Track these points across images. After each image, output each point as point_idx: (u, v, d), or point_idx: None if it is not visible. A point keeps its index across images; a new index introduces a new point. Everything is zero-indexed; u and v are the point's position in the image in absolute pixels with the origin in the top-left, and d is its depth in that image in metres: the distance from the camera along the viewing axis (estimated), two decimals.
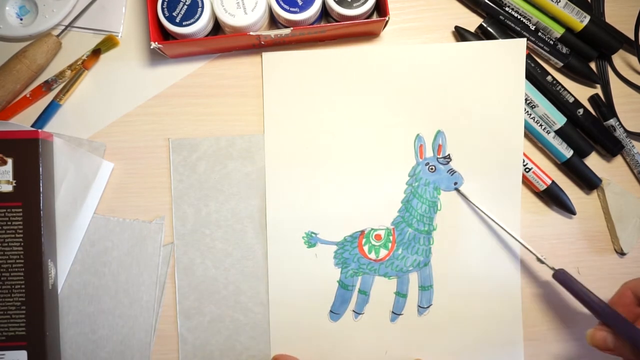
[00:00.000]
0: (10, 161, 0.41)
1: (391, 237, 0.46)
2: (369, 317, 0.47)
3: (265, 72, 0.46)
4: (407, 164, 0.47)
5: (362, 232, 0.46)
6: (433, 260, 0.47)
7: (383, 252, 0.46)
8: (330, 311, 0.46)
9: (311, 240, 0.46)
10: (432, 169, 0.46)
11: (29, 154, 0.42)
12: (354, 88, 0.46)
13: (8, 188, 0.41)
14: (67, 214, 0.45)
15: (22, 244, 0.41)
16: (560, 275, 0.42)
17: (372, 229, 0.46)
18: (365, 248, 0.46)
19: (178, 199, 0.46)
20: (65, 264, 0.44)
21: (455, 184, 0.46)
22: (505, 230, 0.45)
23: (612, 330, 0.37)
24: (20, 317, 0.41)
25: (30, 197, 0.41)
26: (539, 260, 0.43)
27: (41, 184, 0.42)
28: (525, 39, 0.46)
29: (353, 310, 0.47)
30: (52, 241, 0.43)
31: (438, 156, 0.46)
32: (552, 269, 0.43)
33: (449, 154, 0.46)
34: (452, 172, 0.46)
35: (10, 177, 0.41)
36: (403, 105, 0.46)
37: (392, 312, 0.47)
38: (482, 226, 0.47)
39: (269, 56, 0.46)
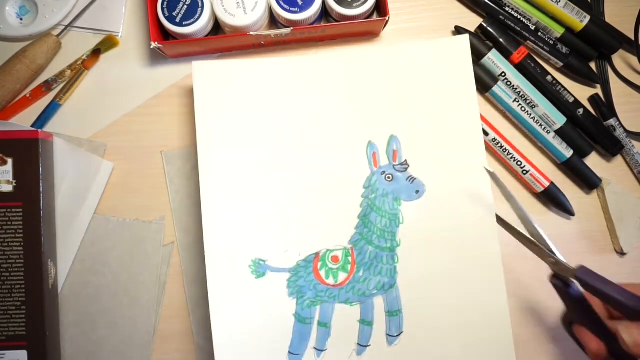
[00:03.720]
0: (10, 161, 0.41)
1: (350, 258, 0.42)
2: (333, 354, 0.41)
3: (196, 84, 0.42)
4: (361, 175, 0.42)
5: (317, 254, 0.42)
6: (400, 281, 0.42)
7: (342, 276, 0.42)
8: (289, 352, 0.41)
9: (259, 269, 0.41)
10: (389, 177, 0.42)
11: (29, 154, 0.42)
12: (296, 97, 0.43)
13: (8, 188, 0.41)
14: (67, 214, 0.45)
15: (22, 244, 0.41)
16: (584, 275, 0.33)
17: (327, 250, 0.42)
18: (322, 272, 0.42)
19: (177, 210, 0.46)
20: (65, 264, 0.44)
21: (417, 192, 0.42)
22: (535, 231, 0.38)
23: None
24: (20, 317, 0.41)
25: (30, 197, 0.41)
26: (556, 262, 0.36)
27: (41, 184, 0.42)
28: (467, 35, 0.44)
29: (314, 348, 0.41)
30: (52, 241, 0.43)
31: (394, 163, 0.42)
32: (571, 270, 0.35)
33: (405, 160, 0.42)
34: (411, 179, 0.42)
35: (10, 177, 0.41)
36: (350, 112, 0.43)
37: (358, 344, 0.41)
38: (455, 236, 0.42)
39: (199, 65, 0.42)
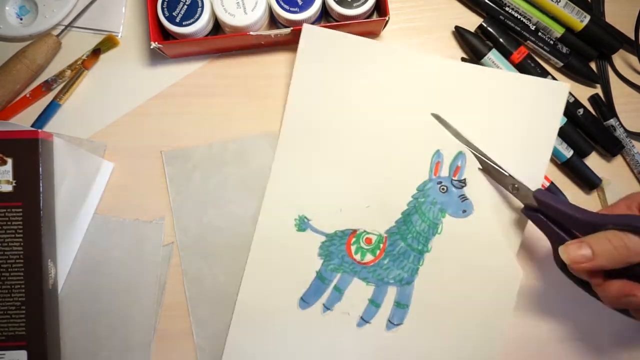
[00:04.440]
0: (10, 161, 0.41)
1: (381, 245, 0.45)
2: (337, 316, 0.45)
3: (302, 43, 0.44)
4: (419, 177, 0.44)
5: (354, 231, 0.45)
6: (417, 282, 0.45)
7: (369, 257, 0.45)
8: (301, 298, 0.45)
9: (302, 224, 0.45)
10: (443, 189, 0.44)
11: (29, 154, 0.41)
12: (388, 87, 0.45)
13: (8, 188, 0.41)
14: (67, 214, 0.44)
15: (22, 244, 0.41)
16: (540, 195, 0.38)
17: (365, 231, 0.45)
18: (353, 248, 0.45)
19: (177, 211, 0.46)
20: (65, 264, 0.44)
21: (464, 211, 0.44)
22: (496, 165, 0.42)
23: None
24: (20, 317, 0.41)
25: (30, 197, 0.41)
26: (517, 188, 0.41)
27: (41, 184, 0.42)
28: (567, 85, 0.44)
29: (323, 304, 0.45)
30: (52, 241, 0.43)
31: (454, 178, 0.44)
32: (530, 192, 0.39)
33: (464, 179, 0.44)
34: (463, 198, 0.44)
35: (10, 177, 0.41)
36: (430, 117, 0.45)
37: (361, 317, 0.45)
38: (480, 262, 0.44)
39: (309, 29, 0.44)
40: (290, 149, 0.45)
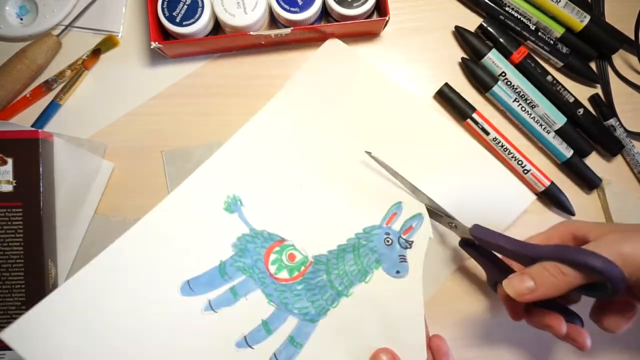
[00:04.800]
0: (10, 161, 0.41)
1: (302, 268, 0.41)
2: (217, 322, 0.39)
3: (319, 53, 0.44)
4: (370, 219, 0.42)
5: (282, 240, 0.41)
6: (322, 323, 0.39)
7: (284, 274, 0.40)
8: (187, 281, 0.39)
9: (233, 206, 0.41)
10: (388, 241, 0.41)
11: (29, 154, 0.41)
12: (381, 120, 0.44)
13: (8, 188, 0.41)
14: (67, 214, 0.44)
15: (22, 244, 0.41)
16: (476, 231, 0.37)
17: (293, 245, 0.41)
18: (272, 257, 0.41)
19: None
20: (65, 264, 0.44)
21: (398, 272, 0.40)
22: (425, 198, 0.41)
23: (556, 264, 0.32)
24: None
25: (30, 197, 0.41)
26: (454, 225, 0.40)
27: (41, 184, 0.42)
28: (534, 196, 0.46)
29: (209, 300, 0.39)
30: (52, 241, 0.43)
31: (403, 235, 0.41)
32: (465, 230, 0.38)
33: (412, 241, 0.41)
34: (403, 259, 0.41)
35: (10, 177, 0.41)
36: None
37: (245, 337, 0.38)
38: (389, 329, 0.39)
39: (335, 44, 0.45)
40: (254, 137, 0.43)
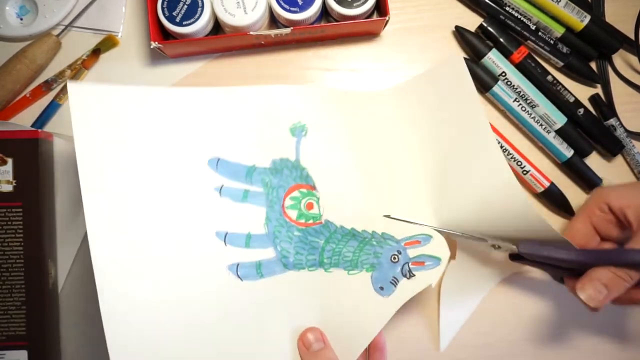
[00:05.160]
0: (10, 161, 0.41)
1: (310, 221, 0.40)
2: (215, 204, 0.38)
3: (73, 112, 0.34)
4: (394, 229, 0.41)
5: (313, 187, 0.41)
6: (290, 274, 0.39)
7: (292, 214, 0.40)
8: (218, 158, 0.39)
9: (297, 133, 0.41)
10: (394, 258, 0.40)
11: (29, 154, 0.42)
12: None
13: (8, 188, 0.41)
14: (67, 214, 0.44)
15: (22, 244, 0.41)
16: (525, 248, 0.37)
17: (317, 198, 0.41)
18: (294, 194, 0.41)
19: None
20: (65, 264, 0.44)
21: (381, 289, 0.39)
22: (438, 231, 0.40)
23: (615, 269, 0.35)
24: (20, 317, 0.41)
25: (30, 197, 0.41)
26: (493, 246, 0.39)
27: (41, 184, 0.42)
28: (461, 55, 0.43)
29: (222, 185, 0.38)
30: (52, 241, 0.43)
31: (411, 265, 0.40)
32: (512, 249, 0.38)
33: (415, 275, 0.40)
34: (394, 282, 0.39)
35: (10, 177, 0.41)
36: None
37: (226, 233, 0.38)
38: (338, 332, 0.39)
39: (74, 88, 0.35)
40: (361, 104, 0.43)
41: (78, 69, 0.47)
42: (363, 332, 0.39)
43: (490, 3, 0.47)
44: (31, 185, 0.41)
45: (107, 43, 0.47)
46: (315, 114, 0.42)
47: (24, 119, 0.47)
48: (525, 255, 0.37)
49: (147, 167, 0.36)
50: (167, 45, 0.44)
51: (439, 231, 0.40)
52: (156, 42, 0.43)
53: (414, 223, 0.41)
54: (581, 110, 0.47)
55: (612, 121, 0.47)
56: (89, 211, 0.34)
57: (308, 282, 0.40)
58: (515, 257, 0.39)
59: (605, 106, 0.48)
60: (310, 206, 0.41)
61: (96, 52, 0.47)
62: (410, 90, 0.45)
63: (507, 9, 0.47)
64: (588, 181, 0.47)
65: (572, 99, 0.47)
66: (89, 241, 0.33)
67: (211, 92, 0.39)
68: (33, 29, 0.46)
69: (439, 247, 0.40)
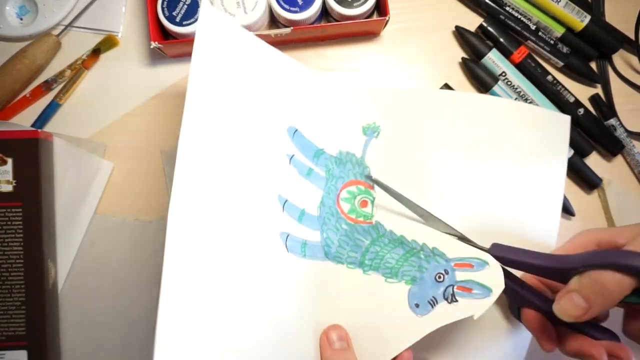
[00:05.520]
0: (10, 161, 0.41)
1: (360, 219, 0.40)
2: (281, 170, 0.38)
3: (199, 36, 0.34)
4: (446, 246, 0.37)
5: (371, 186, 0.41)
6: (328, 265, 0.39)
7: (344, 207, 0.40)
8: (295, 130, 0.39)
9: (369, 132, 0.42)
10: (439, 277, 0.36)
11: (29, 154, 0.41)
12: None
13: (8, 188, 0.41)
14: (67, 214, 0.44)
15: (22, 244, 0.41)
16: (496, 250, 0.34)
17: (373, 198, 0.41)
18: (350, 188, 0.41)
19: None
20: (65, 264, 0.44)
21: (417, 305, 0.35)
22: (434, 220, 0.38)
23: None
24: (20, 317, 0.41)
25: (30, 197, 0.41)
26: (467, 241, 0.36)
27: (41, 184, 0.42)
28: (569, 117, 0.42)
29: (293, 155, 0.39)
30: (52, 241, 0.43)
31: (457, 289, 0.34)
32: (485, 250, 0.35)
33: (457, 301, 0.34)
34: (433, 302, 0.35)
35: (10, 177, 0.41)
36: None
37: (286, 200, 0.38)
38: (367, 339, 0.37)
39: (207, 9, 0.35)
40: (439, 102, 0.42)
41: (78, 69, 0.47)
42: (389, 345, 0.36)
43: (490, 3, 0.47)
44: (31, 185, 0.41)
45: (107, 43, 0.47)
46: (392, 119, 0.43)
47: (24, 119, 0.47)
48: (496, 258, 0.34)
49: (238, 120, 0.37)
50: (167, 45, 0.44)
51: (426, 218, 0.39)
52: (156, 42, 0.43)
53: (393, 191, 0.39)
54: (581, 110, 0.47)
55: (612, 121, 0.47)
56: (182, 158, 0.33)
57: (344, 278, 0.39)
58: None
59: (605, 106, 0.48)
60: (364, 204, 0.41)
61: (96, 52, 0.47)
62: (509, 113, 0.43)
63: (507, 9, 0.47)
64: (588, 181, 0.47)
65: (572, 99, 0.47)
66: (171, 195, 0.32)
67: (307, 70, 0.41)
68: (33, 29, 0.46)
69: (493, 276, 0.34)
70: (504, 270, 0.34)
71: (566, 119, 0.42)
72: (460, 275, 0.35)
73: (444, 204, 0.41)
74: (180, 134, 0.33)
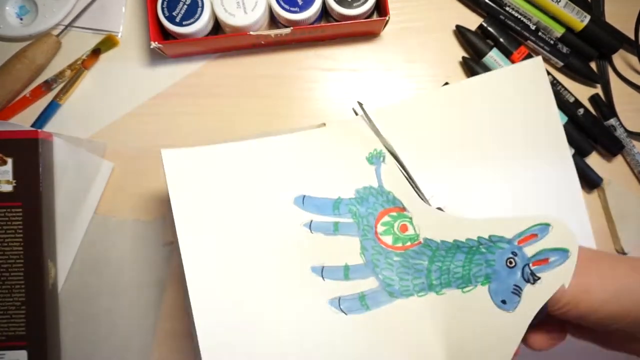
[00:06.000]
0: (10, 161, 0.41)
1: (408, 243, 0.38)
2: (307, 239, 0.38)
3: (169, 176, 0.37)
4: (501, 228, 0.34)
5: (403, 209, 0.39)
6: (399, 303, 0.37)
7: (388, 239, 0.39)
8: (304, 196, 0.39)
9: (375, 160, 0.41)
10: (511, 263, 0.33)
11: (28, 153, 0.41)
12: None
13: (8, 188, 0.41)
14: (67, 214, 0.44)
15: (22, 244, 0.41)
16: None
17: (410, 218, 0.39)
18: (385, 219, 0.39)
19: None
20: (65, 264, 0.44)
21: (503, 302, 0.33)
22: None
23: None
24: (20, 317, 0.41)
25: (30, 197, 0.41)
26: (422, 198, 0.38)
27: (41, 184, 0.42)
28: (540, 57, 0.44)
29: (312, 220, 0.39)
30: (52, 241, 0.43)
31: (532, 266, 0.32)
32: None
33: (540, 278, 0.32)
34: (517, 290, 0.32)
35: (10, 177, 0.41)
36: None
37: (323, 267, 0.38)
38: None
39: (168, 155, 0.37)
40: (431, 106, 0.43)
41: (78, 69, 0.47)
42: (498, 354, 0.33)
43: (490, 3, 0.47)
44: (31, 185, 0.41)
45: (107, 43, 0.47)
46: (389, 139, 0.42)
47: (24, 119, 0.47)
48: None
49: (239, 216, 0.38)
50: (167, 45, 0.44)
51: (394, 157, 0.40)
52: (156, 42, 0.43)
53: (374, 125, 0.40)
54: (581, 110, 0.47)
55: (612, 121, 0.47)
56: (189, 263, 0.35)
57: (420, 308, 0.37)
58: None
59: (605, 106, 0.48)
60: (404, 228, 0.39)
61: (96, 52, 0.47)
62: (486, 88, 0.44)
63: (507, 9, 0.47)
64: (588, 181, 0.47)
65: (572, 99, 0.47)
66: (188, 292, 0.34)
67: (286, 138, 0.41)
68: (33, 29, 0.46)
69: (562, 235, 0.32)
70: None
71: (537, 60, 0.43)
72: (530, 250, 0.33)
73: (467, 205, 0.41)
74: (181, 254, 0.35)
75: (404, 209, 0.39)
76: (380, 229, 0.39)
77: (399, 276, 0.38)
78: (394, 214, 0.39)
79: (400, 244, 0.38)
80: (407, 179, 0.40)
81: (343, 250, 0.39)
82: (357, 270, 0.38)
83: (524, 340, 0.33)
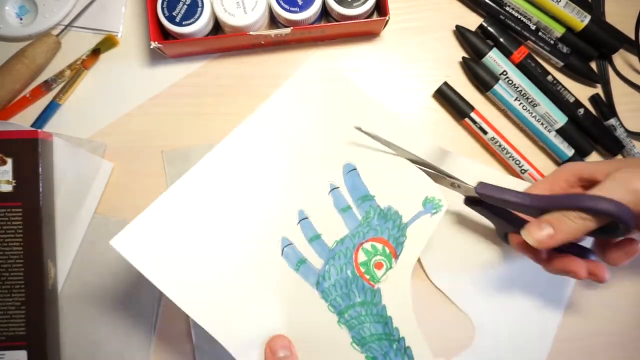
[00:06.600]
0: (10, 161, 0.41)
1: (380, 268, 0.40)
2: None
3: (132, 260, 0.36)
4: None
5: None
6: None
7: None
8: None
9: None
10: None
11: (28, 153, 0.41)
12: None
13: (8, 188, 0.41)
14: (67, 214, 0.44)
15: (22, 244, 0.41)
16: (482, 189, 0.37)
17: (384, 249, 0.41)
18: (363, 254, 0.41)
19: None
20: (65, 264, 0.44)
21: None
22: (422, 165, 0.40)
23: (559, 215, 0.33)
24: (20, 317, 0.41)
25: (30, 197, 0.41)
26: (458, 185, 0.39)
27: (41, 184, 0.42)
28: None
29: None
30: (52, 241, 0.43)
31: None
32: (470, 189, 0.38)
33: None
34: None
35: (10, 177, 0.41)
36: None
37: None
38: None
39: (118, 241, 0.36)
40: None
41: (78, 69, 0.47)
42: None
43: (490, 3, 0.47)
44: (31, 185, 0.41)
45: (107, 43, 0.47)
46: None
47: (24, 119, 0.47)
48: (481, 196, 0.37)
49: (214, 249, 0.38)
50: (167, 45, 0.44)
51: (413, 161, 0.41)
52: (156, 42, 0.43)
53: (384, 140, 0.40)
54: (581, 110, 0.47)
55: (612, 121, 0.47)
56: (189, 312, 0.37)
57: (319, 315, 0.39)
58: (470, 201, 0.40)
59: (605, 106, 0.48)
60: (379, 266, 0.40)
61: (96, 52, 0.47)
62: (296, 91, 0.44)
63: (507, 9, 0.47)
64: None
65: (572, 99, 0.47)
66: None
67: (219, 148, 0.41)
68: (33, 28, 0.46)
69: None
70: (491, 205, 0.38)
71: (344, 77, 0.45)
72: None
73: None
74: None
75: (396, 256, 0.41)
76: (366, 245, 0.41)
77: (335, 282, 0.40)
78: (387, 250, 0.40)
79: (363, 270, 0.40)
80: (440, 174, 0.40)
81: (330, 226, 0.41)
82: (321, 246, 0.41)
83: (605, 259, 0.37)
